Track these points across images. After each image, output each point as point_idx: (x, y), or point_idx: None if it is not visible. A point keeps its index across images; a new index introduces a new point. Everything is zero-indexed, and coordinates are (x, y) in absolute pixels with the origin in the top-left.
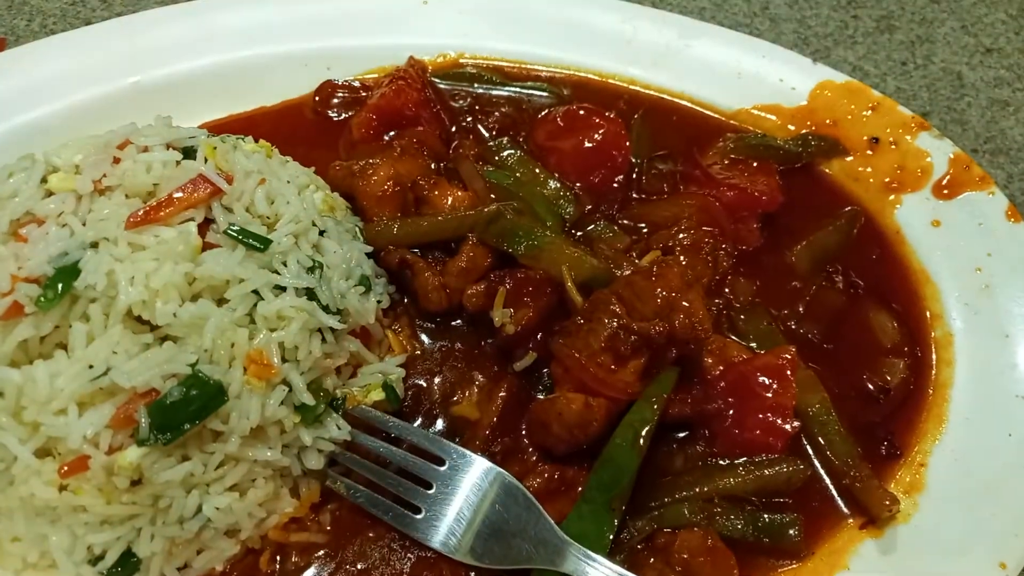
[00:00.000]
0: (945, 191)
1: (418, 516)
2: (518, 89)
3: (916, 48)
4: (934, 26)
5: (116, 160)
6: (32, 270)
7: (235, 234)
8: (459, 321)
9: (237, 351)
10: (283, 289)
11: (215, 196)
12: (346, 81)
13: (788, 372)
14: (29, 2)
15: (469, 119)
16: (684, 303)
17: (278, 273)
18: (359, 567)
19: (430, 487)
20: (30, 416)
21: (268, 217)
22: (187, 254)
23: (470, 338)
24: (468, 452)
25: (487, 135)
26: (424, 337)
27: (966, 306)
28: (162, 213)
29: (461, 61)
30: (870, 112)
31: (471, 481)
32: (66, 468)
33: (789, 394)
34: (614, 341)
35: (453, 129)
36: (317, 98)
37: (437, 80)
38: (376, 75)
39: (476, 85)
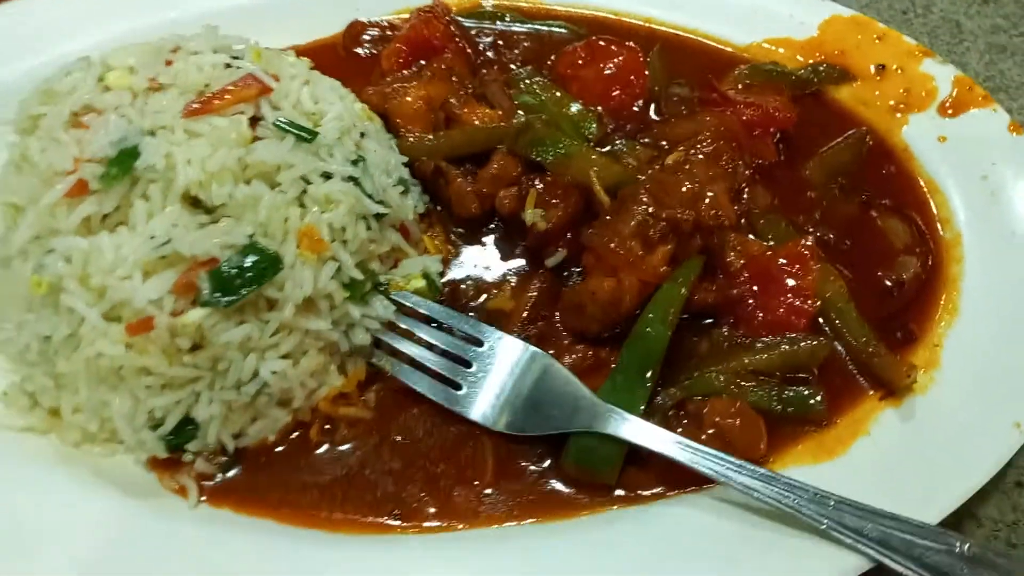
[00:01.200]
0: (949, 110)
1: (459, 392)
2: (538, 26)
3: None
4: None
5: (168, 62)
6: (95, 152)
7: (284, 125)
8: (491, 226)
9: (290, 227)
10: (330, 177)
11: (263, 94)
12: (374, 20)
13: (807, 258)
14: None
15: (492, 53)
16: (708, 194)
17: (325, 162)
18: (404, 439)
19: (470, 366)
20: (96, 282)
21: (313, 114)
22: (239, 142)
23: (502, 241)
24: (505, 334)
25: (511, 66)
26: (458, 242)
27: (973, 211)
28: (215, 103)
29: (482, 2)
30: (876, 42)
31: (509, 359)
32: (132, 327)
33: (809, 278)
34: (642, 228)
35: (478, 61)
36: (347, 36)
37: (461, 19)
38: (403, 16)
39: (498, 22)
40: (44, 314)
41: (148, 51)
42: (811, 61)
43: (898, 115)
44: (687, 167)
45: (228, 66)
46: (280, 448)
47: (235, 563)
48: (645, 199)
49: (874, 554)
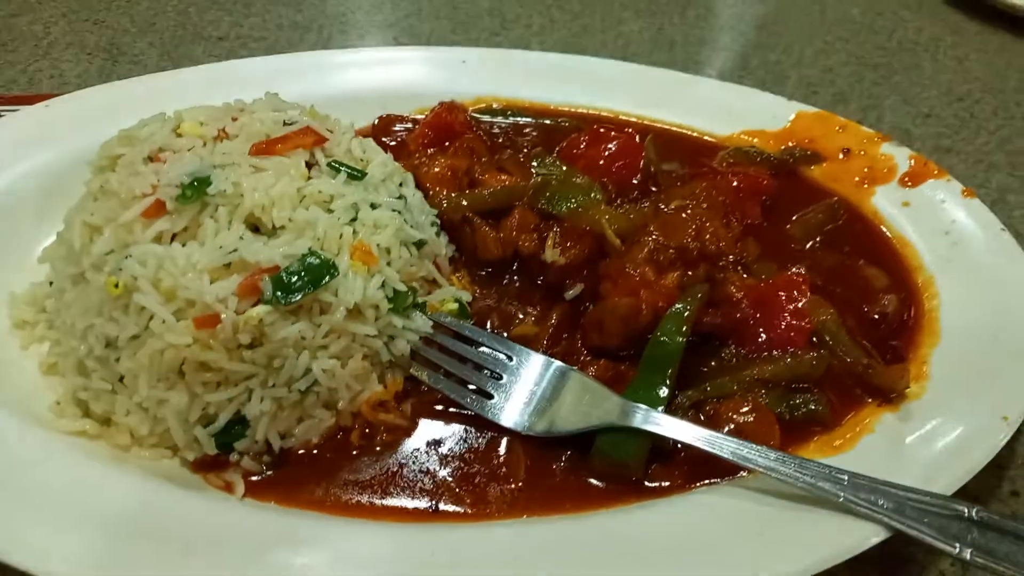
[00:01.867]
0: (909, 182)
1: (492, 400)
2: (544, 121)
3: (868, 113)
4: (880, 99)
5: (234, 118)
6: (171, 180)
7: (337, 165)
8: (512, 270)
9: (344, 242)
10: (377, 207)
11: (319, 143)
12: (401, 116)
13: (800, 285)
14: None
15: (504, 140)
16: (710, 227)
17: (372, 195)
18: (440, 444)
19: (500, 378)
20: (168, 284)
21: (362, 160)
22: (298, 176)
23: (523, 281)
24: (532, 351)
25: (523, 150)
26: (482, 283)
27: (941, 257)
28: (278, 147)
29: (494, 105)
30: (840, 131)
31: (536, 371)
32: (199, 320)
33: (803, 301)
34: (653, 255)
35: (492, 146)
36: (378, 127)
37: (476, 115)
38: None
39: (508, 117)
40: (114, 315)
41: (216, 111)
42: (783, 147)
43: (865, 186)
44: (688, 211)
45: (286, 123)
46: (321, 451)
47: (281, 543)
48: (655, 234)
49: (889, 521)
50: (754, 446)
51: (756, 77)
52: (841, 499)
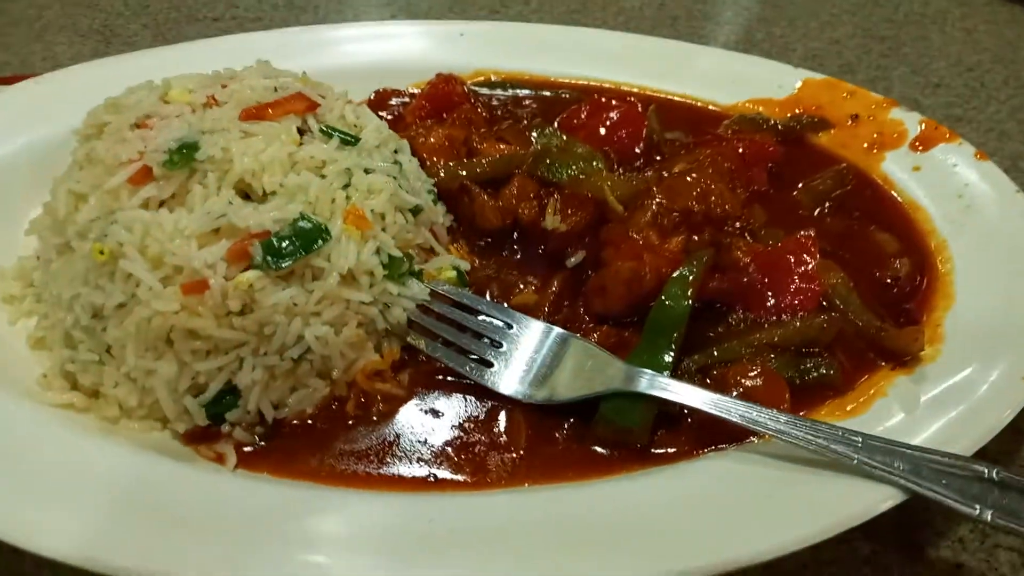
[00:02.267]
0: (920, 146)
1: (491, 368)
2: (544, 93)
3: (876, 84)
4: (888, 70)
5: (224, 86)
6: (158, 146)
7: (329, 130)
8: (511, 239)
9: (337, 206)
10: (371, 172)
11: (310, 110)
12: (397, 89)
13: (808, 247)
14: None
15: (503, 113)
16: (715, 190)
17: (366, 160)
18: (439, 416)
19: (500, 346)
20: (155, 251)
21: (355, 126)
22: (289, 142)
23: (523, 251)
24: (533, 319)
25: (523, 121)
26: (481, 253)
27: (953, 221)
28: (268, 111)
29: (492, 78)
30: (848, 97)
31: (537, 338)
32: (187, 286)
33: (813, 263)
34: (657, 218)
35: (491, 118)
36: (375, 101)
37: (475, 88)
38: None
39: (508, 89)
40: (100, 283)
41: (205, 78)
42: (790, 114)
43: (875, 151)
44: (693, 174)
45: (277, 90)
46: (316, 421)
47: (275, 514)
48: (658, 197)
49: (906, 483)
50: (764, 409)
51: (761, 50)
52: (855, 461)
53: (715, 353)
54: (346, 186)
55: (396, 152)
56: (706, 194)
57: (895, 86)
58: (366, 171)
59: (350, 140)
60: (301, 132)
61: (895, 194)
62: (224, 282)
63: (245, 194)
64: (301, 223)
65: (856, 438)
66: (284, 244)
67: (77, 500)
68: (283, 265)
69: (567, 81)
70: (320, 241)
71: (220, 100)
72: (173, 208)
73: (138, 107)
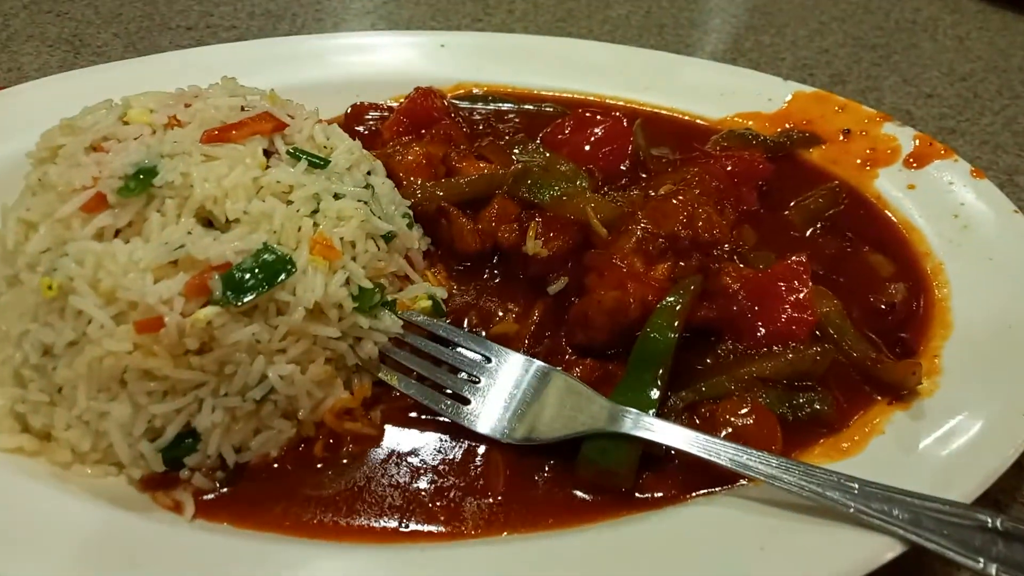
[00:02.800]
0: (914, 163)
1: (468, 406)
2: (526, 106)
3: (867, 94)
4: (879, 80)
5: (187, 105)
6: (114, 171)
7: (297, 153)
8: (491, 264)
9: (303, 235)
10: (340, 197)
11: (278, 130)
12: (375, 103)
13: (801, 273)
14: None
15: (485, 128)
16: (702, 214)
17: (336, 185)
18: (412, 455)
19: (478, 381)
20: (107, 285)
21: (325, 147)
22: (254, 166)
23: (503, 276)
24: (512, 352)
25: (505, 137)
26: (459, 279)
27: (950, 242)
28: (233, 133)
29: (474, 91)
30: (839, 111)
31: (516, 372)
32: (140, 324)
33: (806, 290)
34: (642, 244)
35: (471, 133)
36: (350, 116)
37: (455, 102)
38: (401, 102)
39: (489, 104)
40: (50, 319)
41: (167, 96)
42: (780, 129)
43: (867, 168)
44: (679, 196)
45: (244, 109)
46: (281, 464)
47: (234, 570)
48: (644, 222)
49: (905, 534)
50: (755, 452)
51: (750, 60)
52: (851, 510)
53: (703, 389)
54: (314, 212)
55: (369, 174)
56: (693, 218)
57: (887, 96)
58: (335, 196)
59: (319, 163)
60: (268, 154)
61: (889, 213)
62: (181, 319)
63: (208, 221)
64: (264, 255)
65: (852, 484)
66: (246, 277)
67: (20, 552)
68: (245, 300)
69: (550, 94)
70: (284, 273)
71: (183, 120)
72: (129, 238)
73: (94, 128)
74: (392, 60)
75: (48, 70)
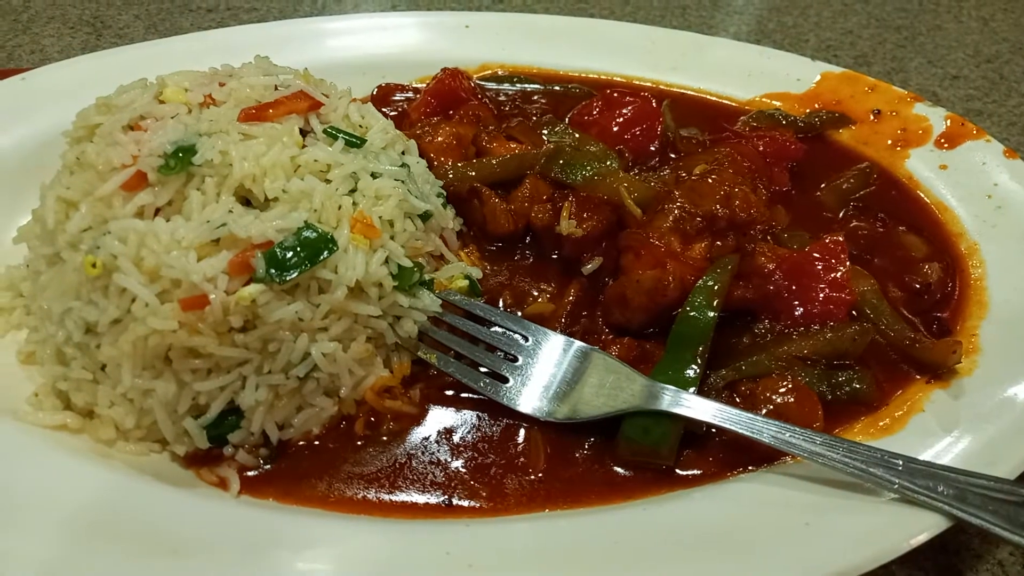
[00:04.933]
0: (945, 144)
1: (507, 384)
2: (554, 87)
3: (893, 76)
4: (904, 62)
5: (222, 84)
6: (153, 149)
7: (333, 132)
8: (524, 243)
9: (343, 214)
10: (378, 176)
11: (313, 109)
12: (400, 84)
13: (838, 251)
14: None
15: (512, 108)
16: (739, 193)
17: (373, 164)
18: (452, 435)
19: (516, 360)
20: (150, 263)
21: (360, 127)
22: (291, 144)
23: (537, 256)
24: (550, 331)
25: (532, 117)
26: (493, 259)
27: (984, 222)
28: (269, 112)
29: (499, 72)
30: (869, 92)
31: (554, 351)
32: (185, 302)
33: (843, 269)
34: (679, 223)
35: (499, 114)
36: (378, 96)
37: (481, 83)
38: (427, 83)
39: (516, 83)
40: (93, 297)
41: (202, 76)
42: (809, 110)
43: (898, 149)
44: (714, 175)
45: (277, 88)
46: (323, 442)
47: (280, 544)
48: (680, 200)
49: (950, 510)
50: (797, 429)
51: (773, 41)
52: (896, 486)
53: (743, 367)
54: (352, 191)
55: (403, 154)
56: (730, 197)
57: (912, 78)
58: (373, 175)
59: (355, 142)
60: (304, 133)
61: (921, 194)
62: (225, 297)
63: (246, 200)
64: (306, 232)
65: (897, 461)
66: (288, 255)
67: (67, 529)
68: (288, 278)
69: (577, 75)
70: (326, 251)
71: (218, 99)
72: (169, 216)
73: (131, 107)
74: (417, 40)
75: (71, 52)
